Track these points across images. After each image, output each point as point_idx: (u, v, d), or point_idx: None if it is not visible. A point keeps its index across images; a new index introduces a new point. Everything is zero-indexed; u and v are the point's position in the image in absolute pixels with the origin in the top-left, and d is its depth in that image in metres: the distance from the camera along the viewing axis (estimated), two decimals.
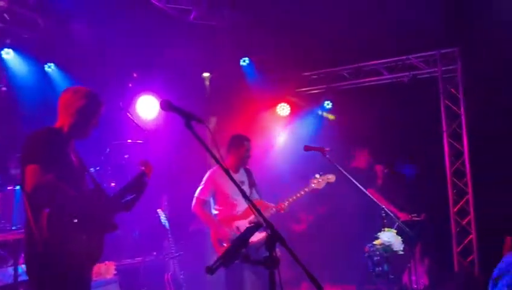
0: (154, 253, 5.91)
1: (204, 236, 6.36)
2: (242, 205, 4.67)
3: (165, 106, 2.40)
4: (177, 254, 5.64)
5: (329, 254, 7.20)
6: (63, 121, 3.02)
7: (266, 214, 4.59)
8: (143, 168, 3.18)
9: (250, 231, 2.17)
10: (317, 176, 4.84)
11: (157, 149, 6.23)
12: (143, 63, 6.87)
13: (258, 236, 4.62)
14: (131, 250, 5.74)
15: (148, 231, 5.93)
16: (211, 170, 4.81)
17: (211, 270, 2.11)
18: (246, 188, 4.76)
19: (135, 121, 6.43)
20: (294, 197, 4.81)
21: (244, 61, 7.42)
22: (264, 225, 2.16)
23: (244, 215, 4.64)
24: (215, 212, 4.79)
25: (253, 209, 2.18)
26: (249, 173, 4.95)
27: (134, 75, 7.20)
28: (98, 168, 5.83)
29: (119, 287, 4.79)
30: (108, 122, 6.32)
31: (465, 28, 6.87)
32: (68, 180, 2.77)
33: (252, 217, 4.59)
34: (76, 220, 2.66)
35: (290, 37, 7.05)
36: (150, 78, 7.11)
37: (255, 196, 4.86)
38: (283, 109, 8.67)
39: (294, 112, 8.64)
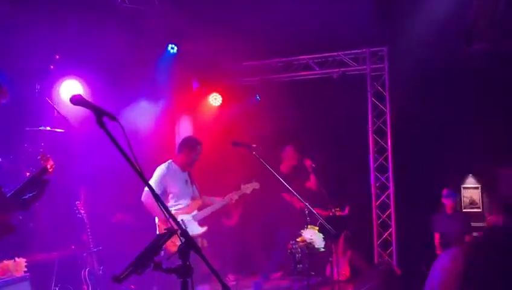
0: (73, 247, 5.62)
1: (126, 229, 6.14)
2: (186, 201, 5.08)
3: (75, 100, 2.21)
4: (95, 249, 5.40)
5: (264, 246, 7.30)
6: None
7: (207, 212, 5.16)
8: (44, 163, 2.93)
9: (163, 237, 2.06)
10: (243, 185, 5.38)
11: (78, 139, 5.88)
12: (67, 45, 6.45)
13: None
14: (46, 245, 5.40)
15: (65, 225, 5.61)
16: (164, 167, 5.09)
17: (118, 279, 1.97)
18: (189, 186, 5.20)
19: (56, 107, 6.01)
20: (238, 192, 5.32)
21: (172, 48, 7.15)
22: (179, 231, 2.06)
23: (188, 210, 5.05)
24: None
25: (169, 217, 2.07)
26: (189, 173, 5.31)
27: (57, 56, 6.74)
28: (11, 157, 5.41)
29: (29, 285, 4.47)
30: (26, 107, 5.94)
31: (394, 28, 7.08)
32: None
33: (195, 212, 5.08)
34: None
35: (222, 27, 6.90)
36: (75, 62, 6.69)
37: (196, 194, 5.27)
38: (215, 99, 8.54)
39: (227, 102, 8.54)
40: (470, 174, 9.47)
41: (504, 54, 6.78)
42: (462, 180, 9.39)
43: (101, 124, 2.15)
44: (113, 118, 2.18)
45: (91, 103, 2.20)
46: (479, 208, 9.34)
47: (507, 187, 8.12)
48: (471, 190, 9.49)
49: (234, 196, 5.27)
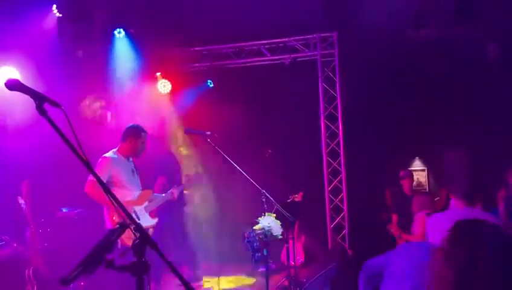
0: (15, 245, 5.27)
1: (75, 223, 5.85)
2: (135, 191, 4.81)
3: (11, 85, 1.99)
4: (40, 246, 5.09)
5: (226, 235, 7.18)
6: None
7: (157, 203, 4.93)
8: None
9: (115, 233, 1.90)
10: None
11: (17, 130, 5.51)
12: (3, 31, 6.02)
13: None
14: None
15: (5, 222, 5.24)
16: (108, 155, 4.73)
17: (66, 281, 1.79)
18: (136, 176, 4.90)
19: None
20: (179, 187, 5.24)
21: (119, 32, 6.80)
22: (133, 226, 1.90)
23: (139, 201, 4.77)
24: None
25: (121, 211, 1.91)
26: (134, 163, 5.04)
27: None
28: None
29: None
30: None
31: (343, 14, 7.10)
32: None
33: (145, 203, 4.80)
34: None
35: (171, 11, 6.66)
36: (10, 48, 6.25)
37: (140, 186, 4.98)
38: (164, 86, 8.28)
39: (176, 89, 8.29)
40: (417, 157, 9.79)
41: (449, 41, 6.99)
42: (410, 162, 9.68)
43: (42, 111, 1.96)
44: (56, 104, 1.99)
45: (30, 88, 1.99)
46: (425, 190, 9.67)
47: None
48: (418, 172, 9.80)
49: (176, 191, 5.05)
